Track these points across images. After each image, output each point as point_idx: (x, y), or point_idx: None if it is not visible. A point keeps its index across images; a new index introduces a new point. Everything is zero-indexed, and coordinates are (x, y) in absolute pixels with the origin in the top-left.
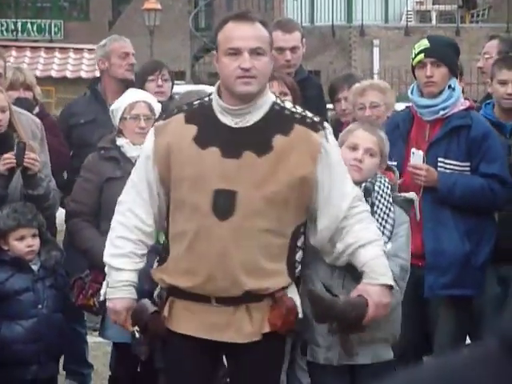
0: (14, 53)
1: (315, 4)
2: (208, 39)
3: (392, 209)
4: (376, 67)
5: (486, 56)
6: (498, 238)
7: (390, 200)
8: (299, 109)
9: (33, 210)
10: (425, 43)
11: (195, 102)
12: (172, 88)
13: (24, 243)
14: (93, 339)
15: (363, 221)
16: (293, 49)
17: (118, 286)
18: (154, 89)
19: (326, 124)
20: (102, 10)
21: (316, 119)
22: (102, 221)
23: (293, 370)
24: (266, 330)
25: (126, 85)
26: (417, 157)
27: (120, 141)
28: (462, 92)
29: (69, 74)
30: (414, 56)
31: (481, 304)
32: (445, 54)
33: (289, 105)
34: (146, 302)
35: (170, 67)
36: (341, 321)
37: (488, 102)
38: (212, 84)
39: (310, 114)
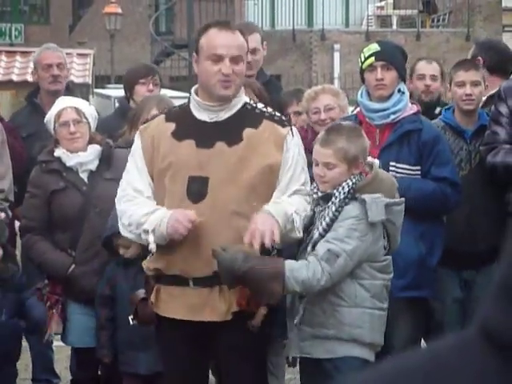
0: None
1: (276, 8)
2: (169, 43)
3: (340, 206)
4: (336, 71)
5: None
6: (459, 242)
7: (344, 200)
8: (270, 109)
9: None
10: (375, 47)
11: (175, 106)
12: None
13: None
14: (54, 343)
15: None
16: (252, 51)
17: (162, 219)
18: (144, 92)
19: (292, 123)
20: (63, 14)
21: (283, 117)
22: (55, 232)
23: None
24: (235, 309)
25: (58, 96)
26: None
27: (57, 152)
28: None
29: (30, 78)
30: (363, 60)
31: (442, 307)
32: (395, 57)
33: (260, 105)
34: (140, 291)
35: None
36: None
37: (448, 107)
38: (173, 88)
39: (278, 113)
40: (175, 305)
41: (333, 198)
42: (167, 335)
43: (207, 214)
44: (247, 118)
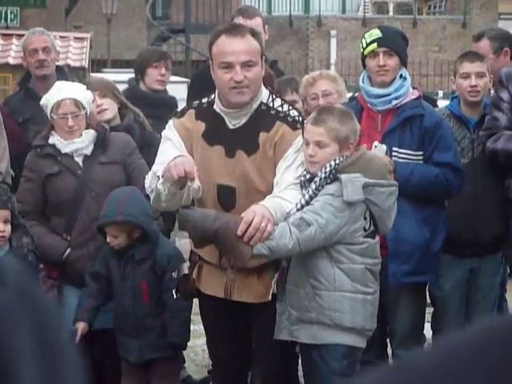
0: None
1: None
2: (165, 28)
3: (320, 185)
4: (333, 58)
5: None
6: (462, 231)
7: (326, 180)
8: (286, 107)
9: (7, 192)
10: (376, 33)
11: (203, 100)
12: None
13: None
14: None
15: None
16: None
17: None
18: (156, 76)
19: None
20: None
21: (297, 118)
22: (51, 216)
23: None
24: (275, 290)
25: (49, 80)
26: (380, 150)
27: (52, 139)
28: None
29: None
30: (364, 45)
31: (446, 293)
32: (397, 43)
33: (277, 103)
34: (184, 265)
35: (126, 56)
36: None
37: (455, 95)
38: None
39: (293, 113)
40: (215, 283)
41: (315, 178)
42: (208, 310)
43: None
44: (262, 120)
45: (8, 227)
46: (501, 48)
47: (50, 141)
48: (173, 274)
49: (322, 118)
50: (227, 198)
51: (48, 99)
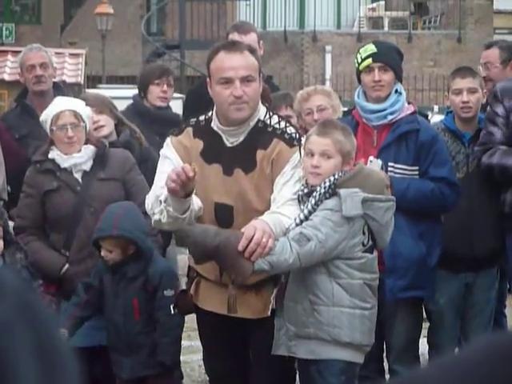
0: None
1: (267, 9)
2: (160, 44)
3: (319, 200)
4: (328, 73)
5: (491, 66)
6: (457, 246)
7: (325, 195)
8: (282, 124)
9: None
10: (371, 48)
11: (201, 118)
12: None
13: None
14: None
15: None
16: None
17: None
18: (158, 93)
19: (303, 140)
20: (54, 14)
21: (294, 135)
22: (49, 232)
23: None
24: (274, 306)
25: (46, 96)
26: (375, 165)
27: (52, 154)
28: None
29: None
30: (359, 61)
31: (441, 308)
32: (391, 58)
33: (274, 120)
34: (181, 281)
35: (121, 72)
36: (200, 247)
37: (450, 110)
38: None
39: (290, 130)
40: (213, 299)
41: (314, 193)
42: (206, 325)
43: None
44: (259, 138)
45: (0, 243)
46: (509, 59)
47: (50, 155)
48: (165, 292)
49: (328, 131)
50: (224, 217)
51: (47, 114)
